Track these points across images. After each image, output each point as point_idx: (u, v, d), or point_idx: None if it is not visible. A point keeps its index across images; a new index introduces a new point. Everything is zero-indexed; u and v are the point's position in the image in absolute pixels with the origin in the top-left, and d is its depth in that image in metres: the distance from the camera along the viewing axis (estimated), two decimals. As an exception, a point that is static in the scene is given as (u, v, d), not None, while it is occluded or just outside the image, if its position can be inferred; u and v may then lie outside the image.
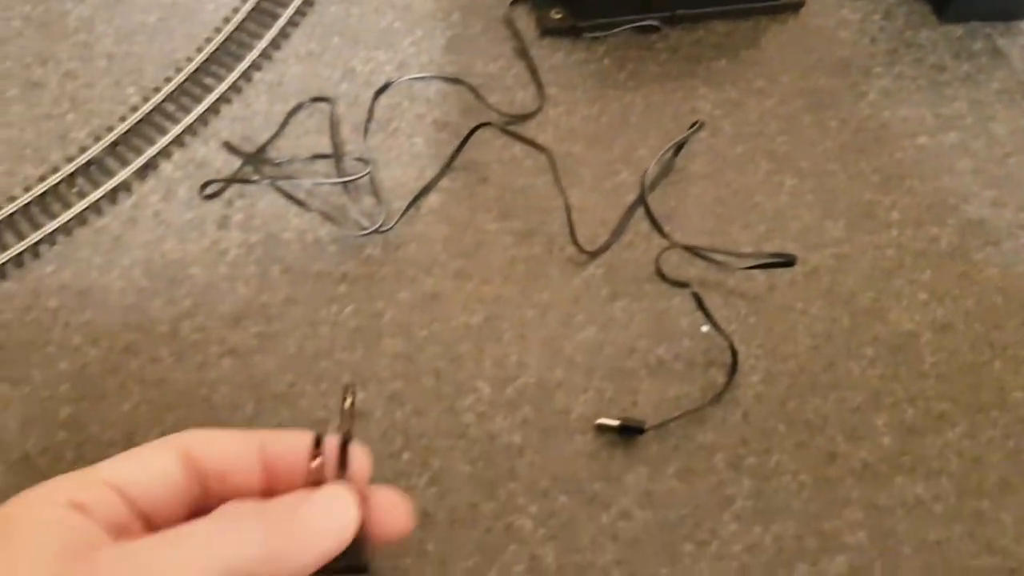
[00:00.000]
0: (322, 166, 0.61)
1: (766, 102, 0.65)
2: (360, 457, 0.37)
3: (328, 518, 0.35)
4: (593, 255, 0.58)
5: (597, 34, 0.69)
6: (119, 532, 0.34)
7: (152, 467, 0.35)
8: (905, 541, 0.49)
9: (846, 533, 0.49)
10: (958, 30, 0.71)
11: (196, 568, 0.32)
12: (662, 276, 0.54)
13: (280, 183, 0.60)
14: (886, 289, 0.57)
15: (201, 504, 0.36)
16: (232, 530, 0.34)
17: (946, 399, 0.53)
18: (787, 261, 0.54)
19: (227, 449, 0.36)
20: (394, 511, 0.37)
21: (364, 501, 0.36)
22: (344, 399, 0.37)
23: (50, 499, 0.34)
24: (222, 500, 0.36)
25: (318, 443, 0.36)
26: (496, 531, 0.49)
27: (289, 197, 0.59)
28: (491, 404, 0.52)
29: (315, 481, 0.36)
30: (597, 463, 0.51)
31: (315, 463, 0.36)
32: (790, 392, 0.53)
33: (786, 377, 0.53)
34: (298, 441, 0.37)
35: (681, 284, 0.54)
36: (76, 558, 0.32)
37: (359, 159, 0.61)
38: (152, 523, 0.36)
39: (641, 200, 0.56)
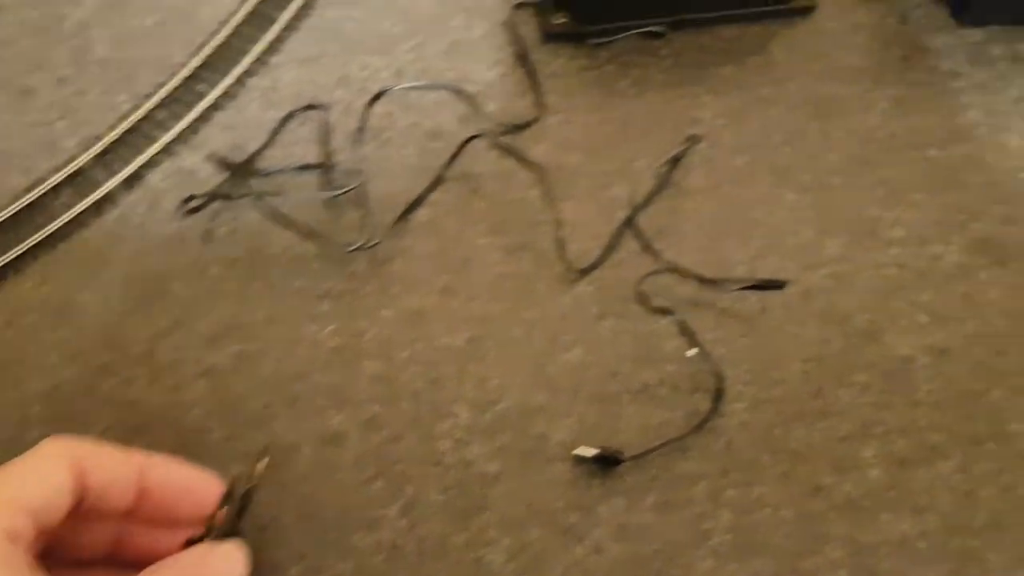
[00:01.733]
0: (311, 177, 0.61)
1: (771, 110, 0.63)
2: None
3: (229, 569, 0.37)
4: (583, 272, 0.56)
5: (601, 40, 0.67)
6: (33, 554, 0.35)
7: (52, 483, 0.36)
8: (887, 580, 0.47)
9: (825, 572, 0.47)
10: (977, 35, 0.69)
11: None
12: (644, 302, 0.53)
13: (266, 199, 0.59)
14: (883, 310, 0.55)
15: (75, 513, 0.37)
16: None
17: (939, 430, 0.51)
18: (776, 284, 0.53)
19: (111, 465, 0.38)
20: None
21: None
22: (257, 461, 0.38)
23: None
24: (93, 513, 0.37)
25: (228, 495, 0.37)
26: (465, 564, 0.48)
27: (273, 215, 0.58)
28: (468, 430, 0.51)
29: (208, 524, 0.37)
30: (574, 492, 0.49)
31: (222, 512, 0.37)
32: (776, 420, 0.51)
33: (773, 404, 0.52)
34: (188, 478, 0.38)
35: (664, 311, 0.52)
36: None
37: (350, 170, 0.60)
38: (42, 534, 0.36)
39: (631, 219, 0.55)
